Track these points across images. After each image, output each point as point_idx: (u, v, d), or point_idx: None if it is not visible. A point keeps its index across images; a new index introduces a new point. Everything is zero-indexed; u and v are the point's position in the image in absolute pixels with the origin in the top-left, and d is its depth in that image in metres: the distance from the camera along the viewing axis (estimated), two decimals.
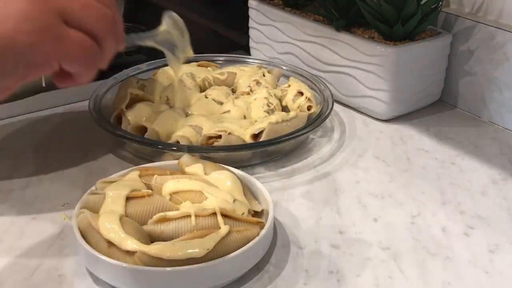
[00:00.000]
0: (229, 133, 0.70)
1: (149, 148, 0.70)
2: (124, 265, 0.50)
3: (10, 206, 0.64)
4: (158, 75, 0.86)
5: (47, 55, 0.41)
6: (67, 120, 0.84)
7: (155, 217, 0.54)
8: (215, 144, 0.70)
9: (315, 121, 0.74)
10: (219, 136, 0.70)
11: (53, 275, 0.55)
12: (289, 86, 0.82)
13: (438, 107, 0.88)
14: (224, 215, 0.54)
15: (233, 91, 0.84)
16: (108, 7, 0.44)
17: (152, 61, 0.89)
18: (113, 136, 0.72)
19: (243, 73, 0.86)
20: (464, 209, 0.65)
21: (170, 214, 0.54)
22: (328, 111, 0.76)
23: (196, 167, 0.61)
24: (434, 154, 0.76)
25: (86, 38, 0.43)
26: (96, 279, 0.54)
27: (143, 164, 0.65)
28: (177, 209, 0.55)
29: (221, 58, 0.92)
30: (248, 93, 0.82)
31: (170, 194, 0.57)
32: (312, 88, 0.82)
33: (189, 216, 0.53)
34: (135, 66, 0.88)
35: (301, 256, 0.57)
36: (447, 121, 0.84)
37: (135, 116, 0.74)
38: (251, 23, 1.01)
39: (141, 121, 0.73)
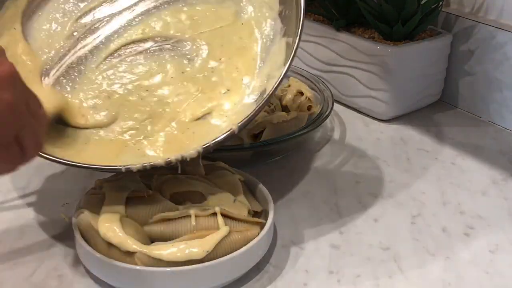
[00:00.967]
0: None
1: None
2: (124, 265, 0.50)
3: (10, 206, 0.64)
4: None
5: None
6: None
7: (155, 217, 0.54)
8: None
9: (315, 121, 0.74)
10: None
11: (53, 275, 0.55)
12: (289, 86, 0.82)
13: (438, 107, 0.88)
14: (224, 215, 0.54)
15: None
16: (5, 89, 0.38)
17: None
18: None
19: None
20: (464, 209, 0.65)
21: (170, 214, 0.54)
22: (328, 111, 0.76)
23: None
24: (434, 154, 0.76)
25: None
26: (96, 279, 0.54)
27: None
28: (177, 209, 0.55)
29: None
30: None
31: (170, 194, 0.57)
32: (312, 88, 0.82)
33: (189, 216, 0.53)
34: None
35: (301, 256, 0.57)
36: (447, 121, 0.84)
37: None
38: None
39: None
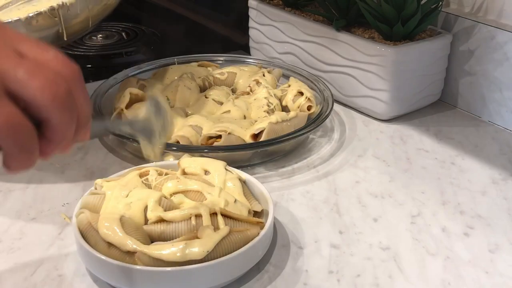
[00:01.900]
0: (229, 133, 0.70)
1: None
2: (124, 265, 0.50)
3: (10, 206, 0.64)
4: (158, 75, 0.86)
5: None
6: None
7: (155, 218, 0.54)
8: (215, 144, 0.70)
9: (315, 121, 0.74)
10: (219, 136, 0.70)
11: (53, 275, 0.55)
12: (289, 86, 0.82)
13: (438, 107, 0.88)
14: (224, 215, 0.54)
15: (233, 91, 0.84)
16: (64, 79, 0.36)
17: (152, 61, 0.89)
18: (113, 136, 0.72)
19: (243, 73, 0.86)
20: (464, 209, 0.65)
21: (170, 214, 0.54)
22: (328, 111, 0.76)
23: (196, 167, 0.61)
24: (434, 154, 0.76)
25: (16, 112, 0.34)
26: (96, 279, 0.54)
27: (143, 164, 0.65)
28: (177, 208, 0.55)
29: (221, 58, 0.92)
30: (248, 93, 0.82)
31: (170, 194, 0.57)
32: (312, 88, 0.82)
33: (189, 216, 0.53)
34: (135, 66, 0.88)
35: (301, 256, 0.57)
36: (447, 121, 0.84)
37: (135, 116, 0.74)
38: (251, 23, 1.01)
39: None
